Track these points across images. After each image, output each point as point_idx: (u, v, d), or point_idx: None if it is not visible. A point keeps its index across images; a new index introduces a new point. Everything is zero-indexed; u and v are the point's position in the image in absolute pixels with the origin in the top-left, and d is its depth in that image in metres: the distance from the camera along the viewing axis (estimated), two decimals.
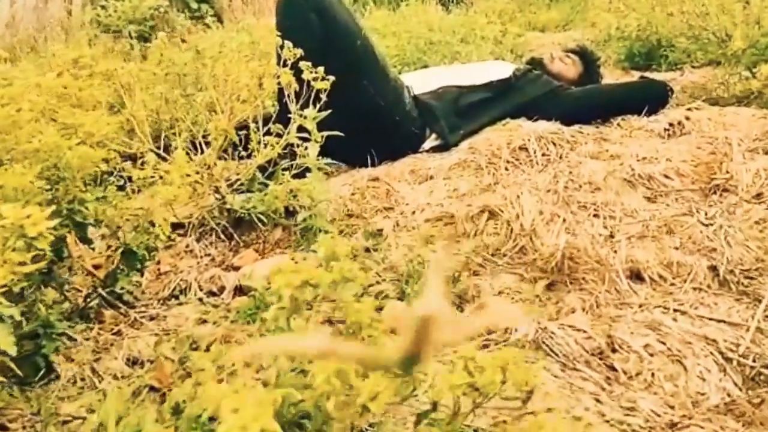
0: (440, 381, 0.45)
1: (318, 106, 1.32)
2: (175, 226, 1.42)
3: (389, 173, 1.62)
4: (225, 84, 1.25)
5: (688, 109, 1.82)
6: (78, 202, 0.85)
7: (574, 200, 1.27)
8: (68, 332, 0.94)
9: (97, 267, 1.29)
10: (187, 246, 1.37)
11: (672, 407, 0.70)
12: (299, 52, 1.35)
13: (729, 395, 0.71)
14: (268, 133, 1.34)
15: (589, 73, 2.12)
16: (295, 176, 1.34)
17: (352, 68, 1.67)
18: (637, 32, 2.82)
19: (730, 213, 1.14)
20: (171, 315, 1.03)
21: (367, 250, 1.17)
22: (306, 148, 1.33)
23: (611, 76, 2.80)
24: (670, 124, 1.73)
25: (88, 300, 1.04)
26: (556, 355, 0.79)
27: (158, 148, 1.37)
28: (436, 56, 2.76)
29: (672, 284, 0.97)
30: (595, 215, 1.22)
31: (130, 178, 1.31)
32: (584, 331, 0.81)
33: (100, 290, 1.04)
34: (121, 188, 1.15)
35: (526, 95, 1.90)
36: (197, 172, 1.25)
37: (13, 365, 0.69)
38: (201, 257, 1.32)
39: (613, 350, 0.79)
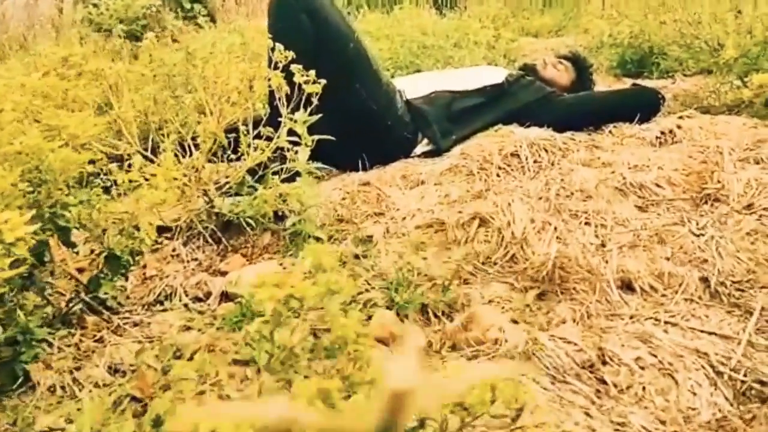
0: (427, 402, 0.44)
1: (309, 109, 1.31)
2: (163, 230, 1.40)
3: (380, 178, 1.60)
4: (215, 86, 1.23)
5: (680, 118, 1.83)
6: (60, 206, 0.83)
7: (566, 208, 1.26)
8: (49, 339, 0.92)
9: (81, 270, 1.27)
10: (174, 250, 1.35)
11: (663, 422, 0.69)
12: (290, 54, 1.33)
13: (720, 411, 0.70)
14: (258, 136, 1.32)
15: (582, 79, 2.12)
16: (285, 180, 1.32)
17: (344, 71, 1.65)
18: (629, 39, 2.83)
19: (722, 223, 1.14)
20: (155, 321, 1.01)
21: (357, 256, 1.16)
22: (296, 152, 1.32)
23: (603, 82, 2.81)
24: (662, 133, 1.73)
25: (71, 305, 1.02)
26: (547, 367, 0.78)
27: (146, 149, 1.34)
28: (429, 60, 2.75)
29: (663, 295, 0.96)
30: (586, 224, 1.21)
31: (116, 181, 1.29)
32: (575, 343, 0.80)
33: (83, 295, 1.01)
34: (107, 190, 1.13)
35: (519, 101, 1.90)
36: (185, 175, 1.23)
37: None
38: (188, 261, 1.30)
39: (604, 363, 0.78)
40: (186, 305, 1.09)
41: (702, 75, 2.49)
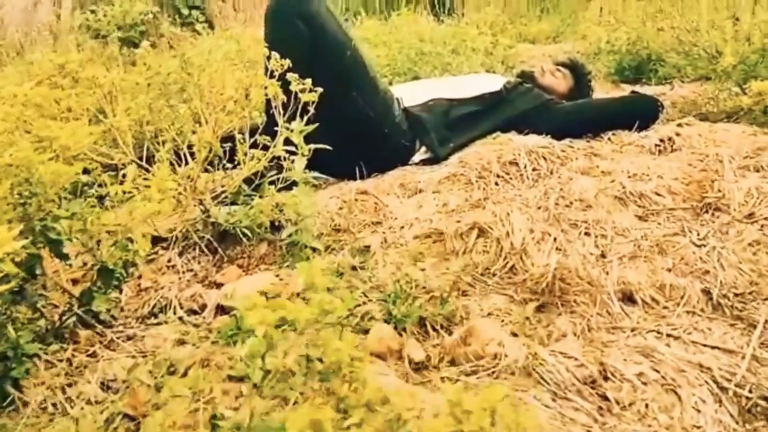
0: (425, 428, 0.42)
1: (306, 117, 1.29)
2: (158, 240, 1.39)
3: (378, 186, 1.59)
4: (210, 95, 1.21)
5: (679, 125, 1.82)
6: (51, 219, 0.81)
7: (565, 218, 1.25)
8: (40, 354, 0.90)
9: (75, 282, 1.25)
10: (170, 260, 1.33)
11: None
12: (287, 63, 1.32)
13: (725, 429, 0.68)
14: (254, 144, 1.31)
15: (580, 86, 2.12)
16: (282, 189, 1.31)
17: (341, 79, 1.64)
18: (627, 46, 2.83)
19: (723, 233, 1.13)
20: (149, 335, 0.99)
21: (354, 268, 1.14)
22: (293, 161, 1.30)
23: (601, 89, 2.80)
24: (661, 140, 1.72)
25: (63, 319, 1.00)
26: (547, 383, 0.76)
27: (141, 158, 1.33)
28: (427, 67, 2.74)
29: (665, 307, 0.95)
30: (586, 234, 1.20)
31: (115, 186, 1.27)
32: (576, 358, 0.79)
33: (75, 309, 1.00)
34: (101, 199, 1.11)
35: (517, 109, 1.89)
36: (179, 185, 1.22)
37: None
38: (183, 272, 1.28)
39: (606, 378, 0.77)
40: (181, 318, 1.08)
41: (700, 82, 2.48)
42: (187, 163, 1.31)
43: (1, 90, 1.17)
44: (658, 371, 0.77)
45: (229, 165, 1.38)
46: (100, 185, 1.12)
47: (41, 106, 1.01)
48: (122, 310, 1.13)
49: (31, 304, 0.90)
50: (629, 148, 1.73)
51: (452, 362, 0.84)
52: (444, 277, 1.06)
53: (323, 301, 0.46)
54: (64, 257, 0.96)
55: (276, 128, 1.29)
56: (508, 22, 4.83)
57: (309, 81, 1.29)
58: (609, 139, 1.83)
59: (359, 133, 1.70)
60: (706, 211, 1.25)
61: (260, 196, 1.32)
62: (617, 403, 0.73)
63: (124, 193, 0.93)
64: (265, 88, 1.28)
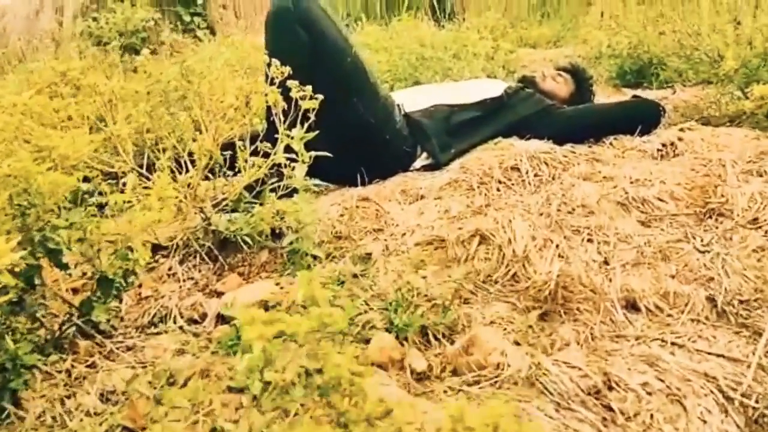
0: None
1: (307, 124, 1.29)
2: (159, 248, 1.38)
3: (379, 193, 1.58)
4: (210, 103, 1.21)
5: (681, 130, 1.81)
6: (50, 229, 0.81)
7: (568, 224, 1.24)
8: (39, 365, 0.90)
9: (76, 291, 1.25)
10: (170, 269, 1.33)
11: None
12: (287, 70, 1.32)
13: None
14: (255, 151, 1.31)
15: (581, 91, 2.11)
16: (283, 196, 1.31)
17: (342, 85, 1.64)
18: (628, 50, 2.82)
19: (727, 239, 1.12)
20: (149, 345, 0.98)
21: (355, 276, 1.14)
22: (293, 168, 1.30)
23: (603, 93, 2.79)
24: (663, 145, 1.71)
25: (63, 329, 0.99)
26: (551, 393, 0.75)
27: (141, 166, 1.33)
28: (428, 72, 2.74)
29: (669, 315, 0.94)
30: (588, 240, 1.19)
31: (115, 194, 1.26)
32: (579, 368, 0.78)
33: (75, 319, 0.99)
34: (101, 208, 1.11)
35: (518, 114, 1.88)
36: (179, 192, 1.21)
37: None
38: (184, 281, 1.28)
39: (610, 388, 0.76)
40: (181, 327, 1.07)
41: (701, 85, 2.47)
42: (187, 170, 1.30)
43: (0, 99, 1.17)
44: (662, 381, 0.76)
45: (230, 172, 1.38)
46: (100, 193, 1.11)
47: (40, 114, 1.01)
48: (122, 319, 1.12)
49: (30, 314, 0.89)
50: (631, 153, 1.72)
51: (454, 372, 0.83)
52: (446, 285, 1.05)
53: (323, 313, 0.45)
54: (63, 267, 0.96)
55: (277, 135, 1.28)
56: (509, 27, 4.83)
57: (309, 88, 1.28)
58: (611, 144, 1.82)
59: (360, 139, 1.69)
60: (710, 217, 1.24)
61: (261, 204, 1.31)
62: (622, 413, 0.72)
63: (124, 202, 0.93)
64: (266, 95, 1.28)
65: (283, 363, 0.43)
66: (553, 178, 1.55)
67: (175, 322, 1.08)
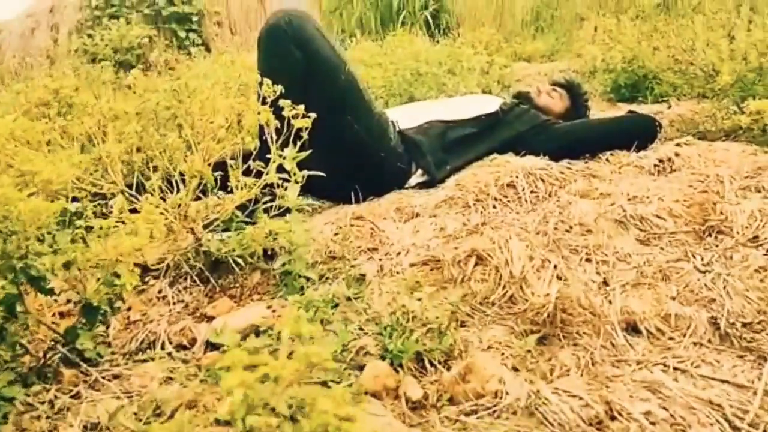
0: None
1: (300, 143, 1.27)
2: (149, 269, 1.35)
3: (374, 211, 1.56)
4: (200, 123, 1.19)
5: (677, 145, 1.80)
6: (31, 257, 0.78)
7: (565, 243, 1.22)
8: (21, 396, 0.86)
9: (64, 315, 1.22)
10: (160, 291, 1.30)
11: None
12: (279, 88, 1.30)
13: None
14: (248, 170, 1.29)
15: (577, 106, 2.11)
16: (277, 215, 1.28)
17: (336, 103, 1.63)
18: (622, 65, 2.83)
19: (727, 258, 1.10)
20: (136, 374, 0.95)
21: (349, 298, 1.11)
22: (286, 188, 1.28)
23: (597, 107, 2.79)
24: (660, 160, 1.70)
25: (47, 357, 0.96)
26: (551, 424, 0.73)
27: (131, 185, 1.30)
28: (423, 88, 2.74)
29: (670, 338, 0.92)
30: (587, 260, 1.17)
31: (104, 215, 1.24)
32: (580, 397, 0.75)
33: (59, 347, 0.96)
34: (90, 229, 1.08)
35: (514, 130, 1.87)
36: (166, 211, 1.19)
37: None
38: (174, 303, 1.25)
39: (612, 418, 0.73)
40: (170, 354, 1.04)
41: (696, 99, 2.47)
42: (178, 190, 1.28)
43: None
44: (666, 409, 0.74)
45: (222, 193, 1.36)
46: (94, 214, 1.09)
47: (25, 137, 0.99)
48: (110, 345, 1.09)
49: (10, 345, 0.86)
50: (628, 168, 1.71)
51: (451, 400, 0.81)
52: (442, 308, 1.03)
53: (309, 353, 0.43)
54: (48, 293, 0.93)
55: (269, 155, 1.26)
56: (503, 41, 4.85)
57: (302, 107, 1.27)
58: (607, 159, 1.81)
59: (355, 157, 1.68)
60: (709, 235, 1.22)
61: (254, 223, 1.29)
62: None
63: (110, 227, 0.90)
64: (258, 113, 1.26)
65: (266, 408, 0.40)
66: (550, 195, 1.54)
67: (163, 348, 1.05)
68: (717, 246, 1.16)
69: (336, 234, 1.43)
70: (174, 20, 6.14)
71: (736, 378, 0.80)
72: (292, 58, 1.56)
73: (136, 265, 1.02)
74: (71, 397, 0.90)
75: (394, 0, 5.73)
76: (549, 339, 0.94)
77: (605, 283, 1.08)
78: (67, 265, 0.89)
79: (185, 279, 1.32)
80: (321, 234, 1.43)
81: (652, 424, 0.71)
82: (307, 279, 1.22)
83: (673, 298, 1.00)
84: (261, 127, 1.35)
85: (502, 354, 0.91)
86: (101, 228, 0.88)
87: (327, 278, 1.25)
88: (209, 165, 1.27)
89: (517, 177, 1.60)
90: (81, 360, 0.97)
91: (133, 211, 1.06)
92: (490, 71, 3.31)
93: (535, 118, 1.90)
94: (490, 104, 1.92)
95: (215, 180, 1.26)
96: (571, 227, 1.27)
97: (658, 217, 1.29)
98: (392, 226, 1.48)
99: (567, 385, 0.78)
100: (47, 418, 0.85)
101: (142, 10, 6.15)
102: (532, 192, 1.56)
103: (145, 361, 1.01)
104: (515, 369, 0.88)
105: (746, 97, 1.90)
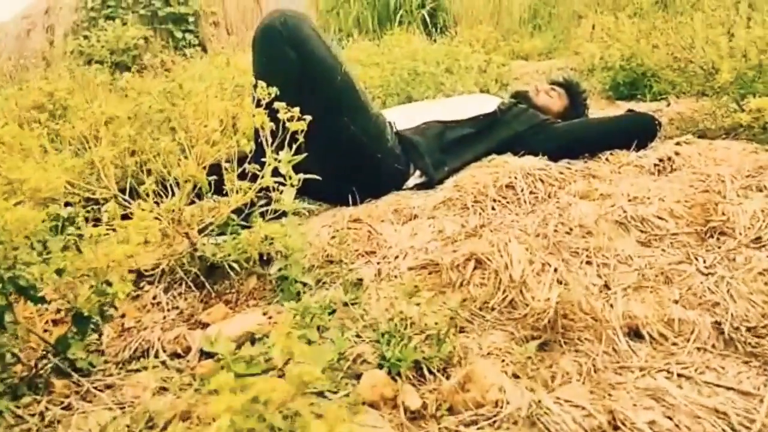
0: None
1: (296, 145, 1.25)
2: (143, 275, 1.33)
3: (371, 213, 1.54)
4: (194, 126, 1.17)
5: (677, 144, 1.78)
6: (19, 267, 0.76)
7: (566, 246, 1.20)
8: (10, 408, 0.84)
9: (57, 322, 1.20)
10: (155, 297, 1.28)
11: None
12: (274, 91, 1.28)
13: None
14: (243, 173, 1.27)
15: (575, 105, 2.09)
16: (273, 218, 1.26)
17: (332, 104, 1.61)
18: (621, 63, 2.81)
19: (730, 260, 1.08)
20: (129, 383, 0.93)
21: (346, 304, 1.09)
22: (282, 192, 1.26)
23: (596, 106, 2.77)
24: (660, 160, 1.68)
25: (38, 367, 0.94)
26: None
27: (124, 189, 1.28)
28: (421, 87, 2.71)
29: (674, 343, 0.90)
30: (587, 262, 1.15)
31: (97, 219, 1.22)
32: (582, 407, 0.73)
33: (51, 357, 0.94)
34: (82, 236, 1.06)
35: (512, 129, 1.85)
36: (159, 217, 1.17)
37: None
38: (168, 310, 1.23)
39: (616, 428, 0.71)
40: (164, 362, 1.02)
41: (695, 97, 2.45)
42: (173, 194, 1.26)
43: None
44: (670, 418, 0.72)
45: (216, 197, 1.34)
46: (85, 220, 1.07)
47: (13, 144, 0.97)
48: (103, 353, 1.07)
49: (0, 355, 0.84)
50: (628, 168, 1.69)
51: (451, 410, 0.79)
52: (440, 314, 1.01)
53: (302, 373, 0.41)
54: (38, 301, 0.91)
55: (264, 159, 1.24)
56: (501, 40, 4.83)
57: (297, 109, 1.25)
58: (606, 159, 1.79)
59: (352, 158, 1.66)
60: (711, 236, 1.20)
61: (249, 226, 1.27)
62: None
63: (101, 234, 0.88)
64: (253, 116, 1.24)
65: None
66: (549, 197, 1.52)
67: (157, 357, 1.03)
68: (719, 248, 1.14)
69: (333, 237, 1.41)
70: (170, 21, 6.11)
71: (742, 385, 0.78)
72: (287, 59, 1.54)
73: (130, 270, 1.00)
74: (62, 408, 0.88)
75: None
76: (550, 345, 0.93)
77: (606, 286, 1.06)
78: (59, 273, 0.87)
79: (180, 284, 1.30)
80: (318, 237, 1.41)
81: None
82: (304, 284, 1.20)
83: (676, 302, 0.98)
84: (257, 130, 1.33)
85: (503, 361, 0.89)
86: (91, 236, 0.86)
87: (324, 283, 1.23)
88: (204, 169, 1.25)
89: (515, 178, 1.58)
90: (73, 370, 0.96)
91: (127, 216, 1.04)
92: (487, 70, 3.29)
93: (534, 118, 1.88)
94: (488, 104, 1.90)
95: (210, 184, 1.24)
96: (571, 229, 1.25)
97: (659, 218, 1.27)
98: (390, 229, 1.46)
99: (569, 394, 0.77)
100: (37, 431, 0.83)
101: (138, 11, 6.13)
102: (531, 193, 1.54)
103: (138, 370, 0.99)
104: (516, 376, 0.86)
105: (746, 95, 1.88)
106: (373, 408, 0.80)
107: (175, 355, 1.04)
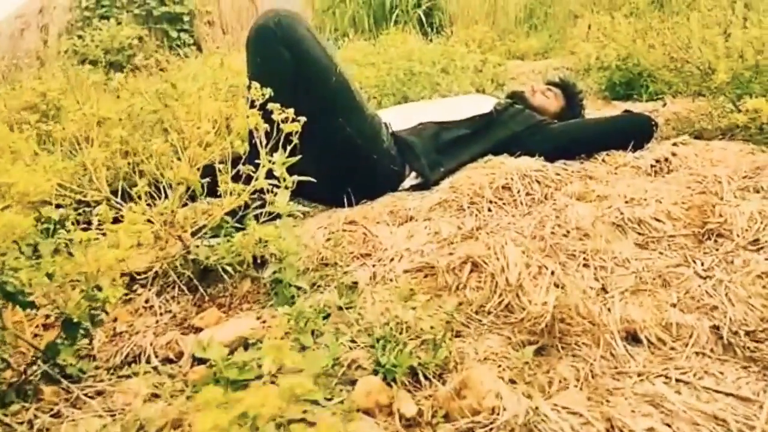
0: None
1: (291, 146, 1.24)
2: (135, 278, 1.32)
3: (367, 215, 1.53)
4: (187, 128, 1.16)
5: (674, 144, 1.77)
6: (5, 273, 0.74)
7: (562, 248, 1.19)
8: None
9: (47, 327, 1.18)
10: (147, 301, 1.26)
11: None
12: (268, 92, 1.27)
13: None
14: (237, 175, 1.25)
15: (572, 106, 2.08)
16: (268, 220, 1.25)
17: (327, 105, 1.59)
18: (617, 63, 2.80)
19: (728, 263, 1.07)
20: (120, 390, 0.91)
21: (341, 308, 1.08)
22: (276, 194, 1.24)
23: (592, 106, 2.77)
24: (657, 161, 1.68)
25: (28, 373, 0.93)
26: None
27: (116, 191, 1.27)
28: (417, 87, 2.70)
29: (672, 348, 0.89)
30: (585, 265, 1.14)
31: (88, 222, 1.20)
32: (580, 414, 0.72)
33: (40, 363, 0.92)
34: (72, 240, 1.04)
35: (508, 130, 1.84)
36: (153, 218, 1.15)
37: None
38: (161, 314, 1.21)
39: None
40: (155, 368, 1.01)
41: (692, 97, 2.45)
42: (166, 196, 1.24)
43: None
44: (669, 425, 0.71)
45: (209, 199, 1.32)
46: (74, 223, 1.05)
47: (2, 146, 0.95)
48: (94, 358, 1.05)
49: None
50: (624, 169, 1.68)
51: (447, 417, 0.78)
52: (436, 318, 1.00)
53: (293, 385, 0.40)
54: (28, 306, 0.89)
55: (258, 161, 1.23)
56: (497, 39, 4.82)
57: (291, 111, 1.23)
58: (603, 159, 1.79)
59: (347, 159, 1.65)
60: (709, 238, 1.20)
61: (243, 229, 1.26)
62: None
63: (91, 239, 0.87)
64: (247, 117, 1.22)
65: None
66: (546, 198, 1.51)
67: (149, 362, 1.02)
68: (717, 250, 1.14)
69: (328, 239, 1.40)
70: (165, 20, 6.08)
71: (741, 390, 0.78)
72: (282, 60, 1.53)
73: (122, 274, 0.99)
74: (51, 416, 0.87)
75: None
76: (547, 350, 0.92)
77: (604, 289, 1.05)
78: (49, 277, 0.86)
79: (173, 288, 1.29)
80: (312, 239, 1.40)
81: None
82: (298, 288, 1.19)
83: (674, 306, 0.97)
84: (251, 131, 1.31)
85: (499, 366, 0.88)
86: (81, 241, 0.85)
87: (319, 286, 1.22)
88: (197, 170, 1.24)
89: (512, 179, 1.57)
90: (62, 376, 0.94)
91: (119, 219, 1.02)
92: (483, 69, 3.28)
93: (530, 118, 1.87)
94: (484, 104, 1.89)
95: (203, 186, 1.22)
96: (568, 231, 1.24)
97: (657, 220, 1.26)
98: (385, 231, 1.44)
99: (566, 401, 0.75)
100: None
101: (133, 11, 6.09)
102: (527, 194, 1.53)
103: (129, 376, 0.97)
104: (512, 381, 0.85)
105: (743, 95, 1.87)
106: (368, 415, 0.79)
107: (167, 360, 1.03)
